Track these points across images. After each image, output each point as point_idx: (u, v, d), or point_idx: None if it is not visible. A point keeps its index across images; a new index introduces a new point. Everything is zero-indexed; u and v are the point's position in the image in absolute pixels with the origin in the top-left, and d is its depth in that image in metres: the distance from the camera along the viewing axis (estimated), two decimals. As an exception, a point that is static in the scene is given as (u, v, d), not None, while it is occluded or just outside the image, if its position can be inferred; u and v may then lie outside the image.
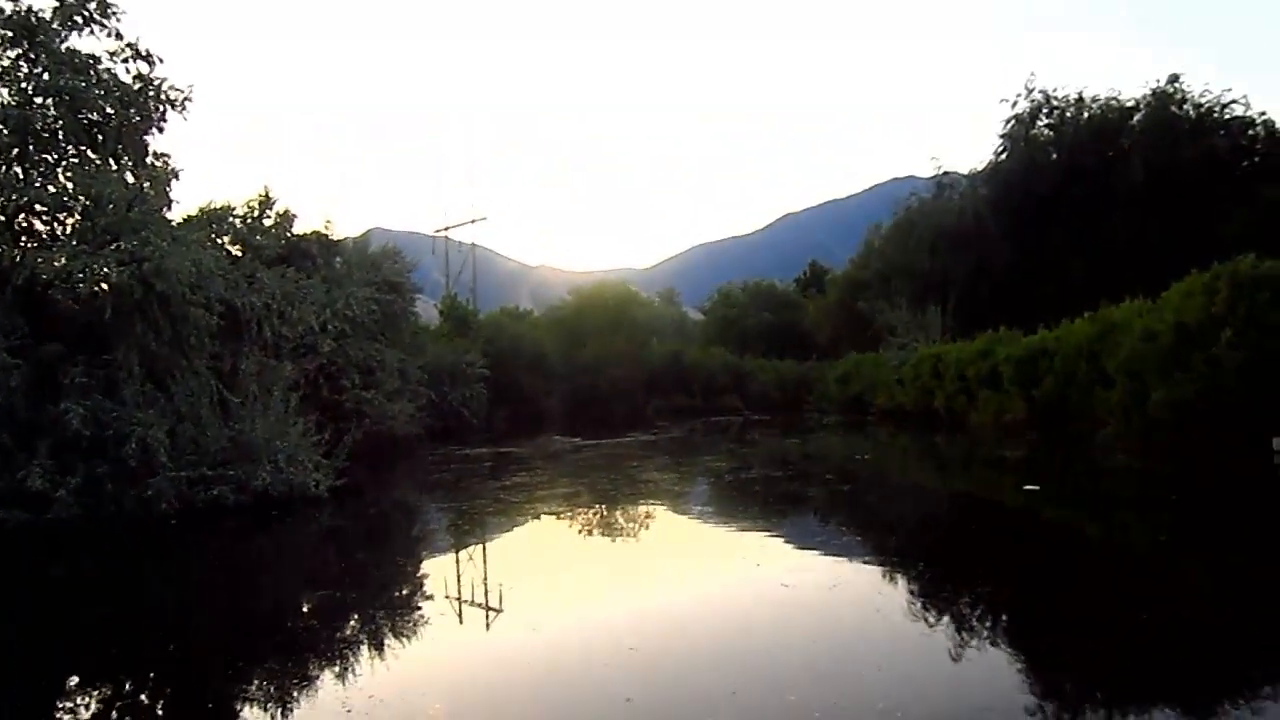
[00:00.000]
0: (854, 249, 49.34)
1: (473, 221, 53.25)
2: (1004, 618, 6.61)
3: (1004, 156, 36.06)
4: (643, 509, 12.43)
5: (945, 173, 39.22)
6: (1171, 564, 8.17)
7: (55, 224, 13.12)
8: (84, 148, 13.60)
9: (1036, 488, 12.83)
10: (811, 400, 37.89)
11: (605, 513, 12.10)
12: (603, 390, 39.91)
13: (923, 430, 24.77)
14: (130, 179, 13.70)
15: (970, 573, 8.19)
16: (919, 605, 6.77)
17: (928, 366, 27.43)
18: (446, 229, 53.96)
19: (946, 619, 6.38)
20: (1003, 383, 22.36)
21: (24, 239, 12.91)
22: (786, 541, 9.75)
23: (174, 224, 14.26)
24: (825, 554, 8.92)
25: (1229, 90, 32.95)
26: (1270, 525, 9.70)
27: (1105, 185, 31.67)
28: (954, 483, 15.44)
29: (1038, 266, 32.09)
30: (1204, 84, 33.32)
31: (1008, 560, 8.53)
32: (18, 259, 12.11)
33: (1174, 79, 33.25)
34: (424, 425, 23.86)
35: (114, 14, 13.83)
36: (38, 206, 12.77)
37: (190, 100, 14.65)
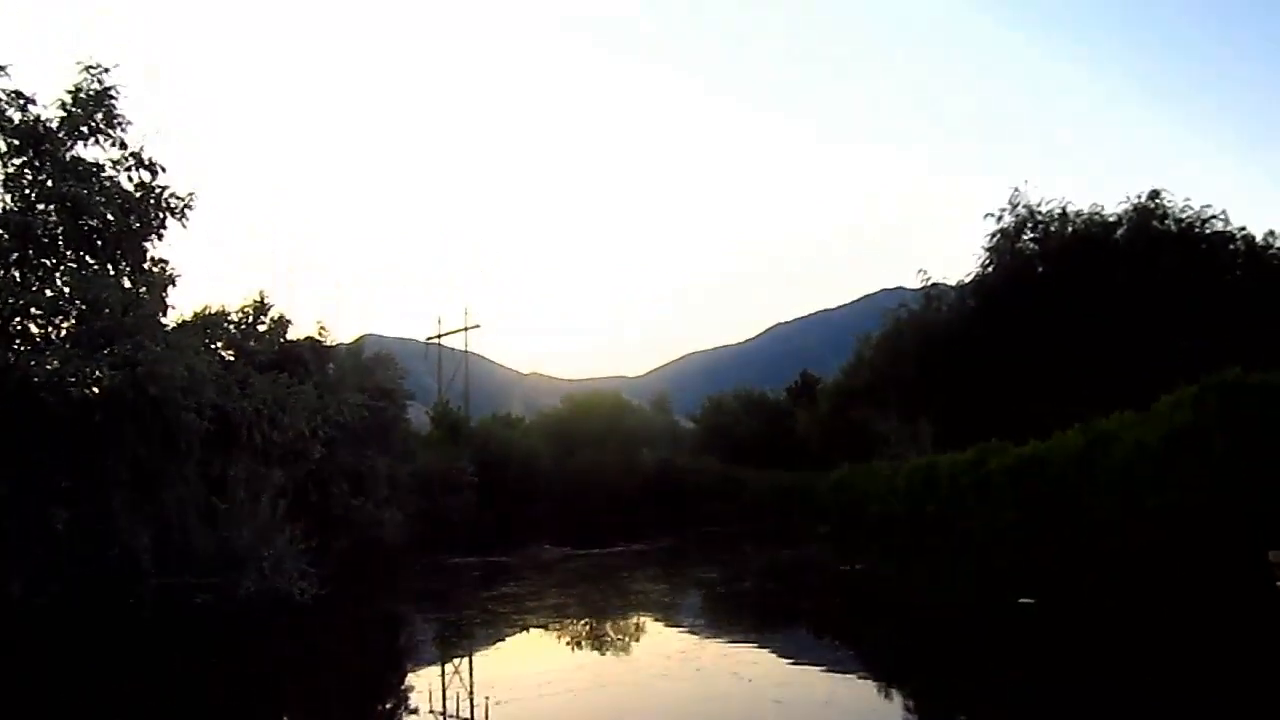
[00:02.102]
0: (844, 358, 49.49)
1: (465, 329, 53.67)
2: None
3: (990, 269, 36.59)
4: (633, 621, 12.22)
5: (933, 284, 39.65)
6: (1167, 683, 8.02)
7: (50, 328, 13.17)
8: (83, 253, 13.75)
9: (1031, 601, 12.65)
10: (804, 509, 37.55)
11: (594, 625, 11.89)
12: (594, 498, 39.55)
13: (916, 539, 24.54)
14: (127, 284, 13.83)
15: (966, 690, 8.03)
16: (915, 723, 6.62)
17: (920, 476, 27.34)
18: (440, 336, 54.29)
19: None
20: (994, 492, 22.26)
21: (18, 342, 12.94)
22: (779, 656, 9.57)
23: (169, 328, 14.32)
24: (818, 669, 8.76)
25: (1209, 206, 33.65)
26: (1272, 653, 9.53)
27: (1090, 297, 32.12)
28: (949, 594, 15.21)
29: (1026, 376, 32.25)
30: (1184, 199, 33.77)
31: (1004, 677, 8.36)
32: (11, 361, 12.11)
33: (1155, 195, 34.08)
34: (413, 532, 23.60)
35: (119, 124, 14.15)
36: (33, 310, 12.83)
37: (191, 208, 14.87)
